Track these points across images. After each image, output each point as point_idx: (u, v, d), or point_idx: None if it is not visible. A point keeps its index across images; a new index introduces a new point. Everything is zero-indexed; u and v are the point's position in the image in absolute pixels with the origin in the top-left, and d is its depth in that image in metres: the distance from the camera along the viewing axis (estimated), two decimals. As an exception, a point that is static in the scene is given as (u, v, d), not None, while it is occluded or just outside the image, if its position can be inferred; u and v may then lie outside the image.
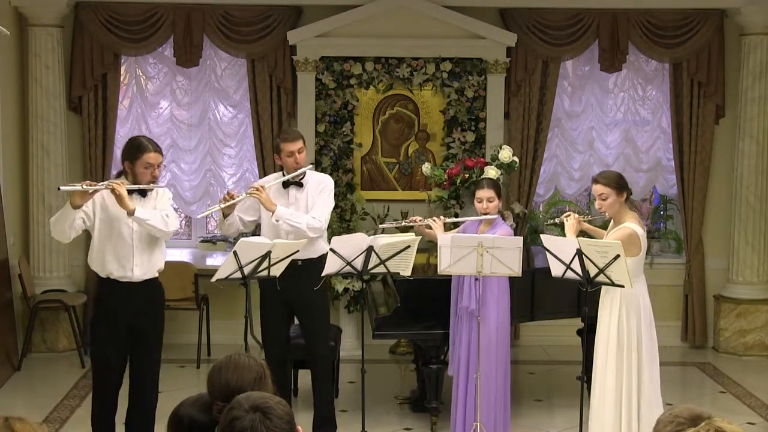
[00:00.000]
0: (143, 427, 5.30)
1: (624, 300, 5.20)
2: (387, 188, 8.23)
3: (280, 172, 5.87)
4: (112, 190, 4.91)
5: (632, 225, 5.22)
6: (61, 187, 4.97)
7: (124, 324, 5.12)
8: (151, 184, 5.09)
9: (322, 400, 5.95)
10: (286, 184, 5.78)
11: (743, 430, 2.37)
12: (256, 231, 6.13)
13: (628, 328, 5.20)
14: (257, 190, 5.59)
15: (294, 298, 5.76)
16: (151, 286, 5.20)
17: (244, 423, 2.26)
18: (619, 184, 5.28)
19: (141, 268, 5.11)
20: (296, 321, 6.26)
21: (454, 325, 5.75)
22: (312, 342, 5.95)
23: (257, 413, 2.28)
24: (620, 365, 5.20)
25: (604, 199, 5.26)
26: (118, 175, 5.22)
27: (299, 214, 5.65)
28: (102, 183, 4.99)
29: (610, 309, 5.25)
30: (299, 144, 5.73)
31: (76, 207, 4.92)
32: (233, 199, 5.63)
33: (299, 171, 5.72)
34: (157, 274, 5.22)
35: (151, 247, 5.14)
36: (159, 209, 5.10)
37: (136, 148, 5.09)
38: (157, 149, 5.14)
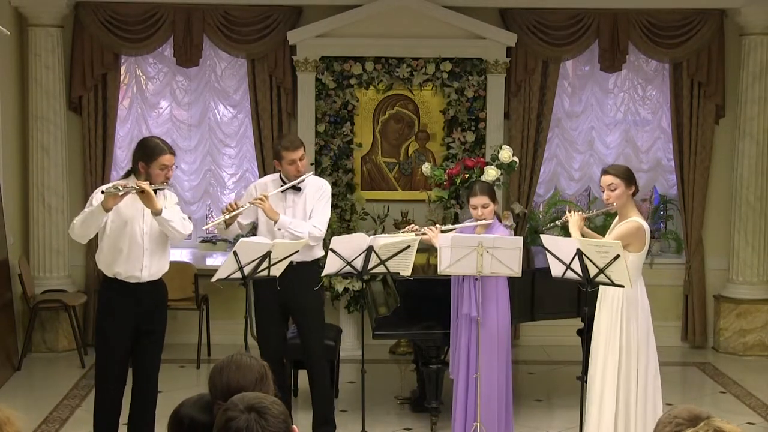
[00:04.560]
0: (147, 426, 5.31)
1: (626, 301, 5.17)
2: (387, 188, 8.23)
3: (278, 175, 5.86)
4: (141, 191, 4.93)
5: (639, 220, 5.22)
6: (103, 190, 4.92)
7: (129, 324, 5.13)
8: (164, 185, 5.12)
9: (320, 401, 5.92)
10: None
11: (743, 430, 2.37)
12: (252, 231, 6.13)
13: (627, 330, 5.16)
14: (261, 200, 5.58)
15: (288, 300, 5.74)
16: (156, 286, 5.23)
17: (239, 423, 2.26)
18: (628, 176, 5.30)
19: (149, 269, 5.14)
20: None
21: (455, 328, 5.72)
22: (307, 342, 5.91)
23: (252, 413, 2.27)
24: (621, 368, 5.16)
25: (612, 190, 5.25)
26: (127, 175, 5.22)
27: (301, 223, 5.66)
28: (130, 185, 4.97)
29: (610, 310, 5.21)
30: (300, 152, 5.71)
31: (108, 210, 4.93)
32: (236, 208, 5.60)
33: (301, 179, 5.72)
34: (161, 276, 5.24)
35: (160, 249, 5.19)
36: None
37: (152, 149, 5.12)
38: (172, 151, 5.21)
